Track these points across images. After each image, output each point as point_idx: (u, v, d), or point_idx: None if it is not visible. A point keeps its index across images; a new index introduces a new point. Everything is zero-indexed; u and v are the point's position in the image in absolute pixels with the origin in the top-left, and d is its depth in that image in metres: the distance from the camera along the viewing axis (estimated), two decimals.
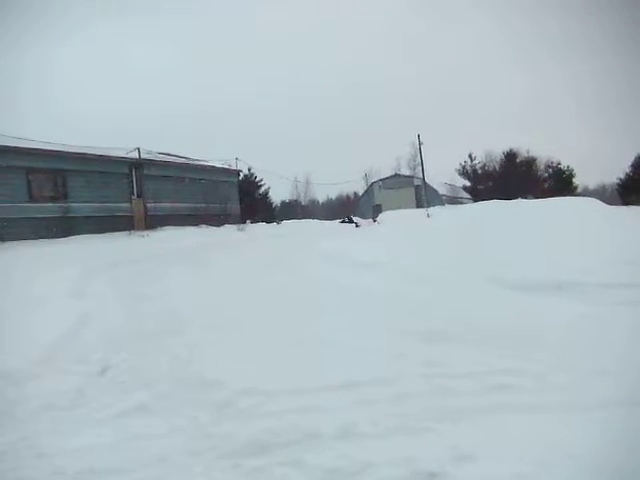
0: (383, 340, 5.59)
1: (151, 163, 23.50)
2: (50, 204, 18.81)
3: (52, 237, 17.33)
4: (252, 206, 33.11)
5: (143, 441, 3.57)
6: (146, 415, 4.05)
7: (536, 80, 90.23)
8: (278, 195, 57.25)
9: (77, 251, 14.08)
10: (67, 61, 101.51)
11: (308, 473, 3.03)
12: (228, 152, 40.19)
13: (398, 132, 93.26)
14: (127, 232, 20.18)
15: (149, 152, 24.51)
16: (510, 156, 46.19)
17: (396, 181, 53.49)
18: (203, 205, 24.74)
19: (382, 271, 9.65)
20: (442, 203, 43.54)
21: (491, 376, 4.33)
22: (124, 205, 21.97)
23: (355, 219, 35.31)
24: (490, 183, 45.28)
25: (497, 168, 46.86)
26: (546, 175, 46.25)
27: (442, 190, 52.40)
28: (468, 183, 49.56)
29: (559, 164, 45.51)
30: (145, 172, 22.92)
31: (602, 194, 50.90)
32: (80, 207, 19.74)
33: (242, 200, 30.10)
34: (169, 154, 26.77)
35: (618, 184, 41.02)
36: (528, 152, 46.06)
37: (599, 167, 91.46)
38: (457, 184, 53.10)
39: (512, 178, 41.91)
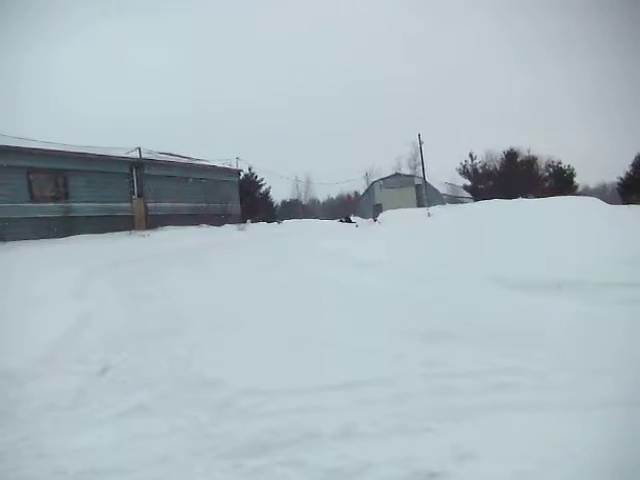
0: (383, 340, 5.59)
1: (152, 163, 23.49)
2: (51, 204, 18.82)
3: (53, 237, 17.33)
4: (253, 206, 33.10)
5: (144, 441, 3.58)
6: (147, 415, 4.06)
7: (536, 80, 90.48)
8: (279, 195, 57.32)
9: (78, 251, 14.09)
10: (67, 61, 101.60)
11: (308, 473, 3.04)
12: (229, 152, 40.57)
13: (398, 131, 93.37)
14: (128, 232, 20.17)
15: (150, 152, 24.51)
16: (511, 155, 46.14)
17: (397, 180, 53.45)
18: (204, 205, 24.74)
19: (382, 270, 9.65)
20: (443, 202, 43.46)
21: (492, 375, 4.34)
22: (125, 205, 21.97)
23: (353, 219, 35.46)
24: (491, 182, 45.23)
25: (498, 167, 46.80)
26: (547, 174, 46.20)
27: (443, 189, 52.36)
28: (469, 182, 49.52)
29: (560, 163, 45.50)
30: (146, 172, 22.92)
31: (603, 193, 50.84)
32: (81, 207, 19.74)
33: (243, 200, 30.10)
34: (170, 154, 26.77)
35: (619, 183, 40.99)
36: (529, 151, 46.05)
37: (599, 166, 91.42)
38: (458, 183, 53.08)
39: (513, 177, 41.87)
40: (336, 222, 33.33)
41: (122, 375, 5.00)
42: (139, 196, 22.64)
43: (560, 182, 42.79)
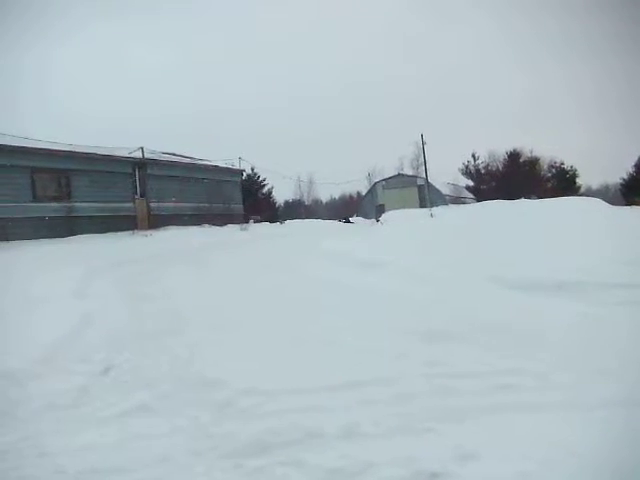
0: (385, 339, 5.59)
1: (154, 163, 23.54)
2: (54, 204, 18.87)
3: (56, 237, 17.37)
4: (255, 206, 33.12)
5: (145, 441, 3.58)
6: (148, 415, 4.06)
7: (537, 80, 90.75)
8: (281, 195, 57.39)
9: (80, 251, 14.11)
10: (67, 61, 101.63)
11: (309, 473, 3.03)
12: (231, 152, 40.43)
13: (400, 132, 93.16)
14: (130, 232, 20.22)
15: (152, 152, 24.55)
16: (513, 156, 46.12)
17: (399, 181, 53.45)
18: (206, 205, 24.78)
19: (384, 271, 9.65)
20: (445, 203, 43.46)
21: (493, 376, 4.33)
22: (127, 205, 22.01)
23: (352, 219, 35.87)
24: (493, 183, 45.21)
25: (500, 168, 46.78)
26: (549, 175, 46.18)
27: (445, 190, 52.33)
28: (471, 183, 49.51)
29: (562, 164, 45.49)
30: (148, 172, 22.97)
31: (605, 194, 50.74)
32: (84, 207, 19.79)
33: (245, 200, 30.13)
34: (173, 154, 26.81)
35: (621, 184, 40.96)
36: (531, 152, 46.01)
37: (602, 167, 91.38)
38: (460, 184, 53.08)
39: (515, 178, 41.88)
40: (337, 222, 33.50)
41: (124, 375, 5.00)
42: (142, 196, 22.68)
43: (562, 183, 42.78)
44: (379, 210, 43.39)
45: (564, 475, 2.87)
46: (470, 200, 44.91)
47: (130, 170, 22.41)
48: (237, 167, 30.77)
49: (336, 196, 77.61)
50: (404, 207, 33.15)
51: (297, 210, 58.35)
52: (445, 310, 6.67)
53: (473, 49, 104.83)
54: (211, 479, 3.05)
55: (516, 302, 6.95)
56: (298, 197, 68.06)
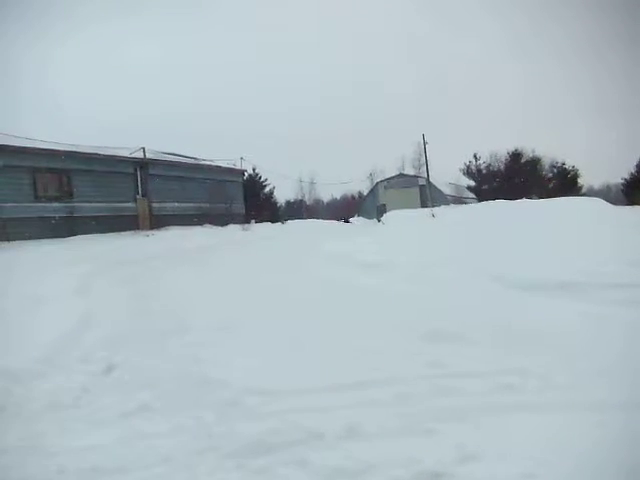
0: (388, 339, 5.59)
1: (156, 163, 23.54)
2: (55, 204, 18.89)
3: (57, 237, 17.38)
4: (257, 206, 33.11)
5: (147, 440, 3.57)
6: (150, 414, 4.06)
7: (539, 80, 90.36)
8: (283, 195, 57.35)
9: (82, 250, 14.13)
10: (67, 61, 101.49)
11: (312, 473, 3.03)
12: (233, 152, 40.31)
13: (403, 132, 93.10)
14: (132, 231, 20.23)
15: (154, 152, 24.56)
16: (515, 156, 45.99)
17: (401, 181, 53.40)
18: (208, 205, 24.78)
19: (386, 271, 9.66)
20: (447, 203, 43.40)
21: (495, 375, 4.33)
22: (129, 205, 22.03)
23: (351, 220, 36.47)
24: (495, 183, 45.13)
25: (502, 168, 46.69)
26: (551, 175, 46.08)
27: (447, 190, 52.31)
28: (473, 183, 49.43)
29: (564, 164, 45.33)
30: (150, 172, 22.97)
31: (607, 194, 50.59)
32: (85, 207, 19.82)
33: (247, 200, 30.13)
34: (174, 154, 26.82)
35: (623, 184, 40.85)
36: (533, 152, 45.92)
37: (604, 167, 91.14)
38: (462, 184, 53.02)
39: (517, 178, 41.81)
40: (337, 222, 33.62)
41: (126, 374, 5.00)
42: (143, 196, 22.70)
43: (564, 183, 42.64)
44: (380, 210, 43.36)
45: (566, 476, 2.87)
46: (472, 200, 44.85)
47: (132, 170, 22.42)
48: (239, 167, 30.78)
49: (337, 196, 77.64)
50: (405, 207, 33.09)
51: (298, 210, 58.34)
52: (448, 310, 6.68)
53: (475, 49, 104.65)
54: (214, 479, 3.05)
55: (519, 302, 6.95)
56: (299, 197, 68.13)
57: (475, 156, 48.24)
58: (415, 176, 54.03)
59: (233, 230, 22.85)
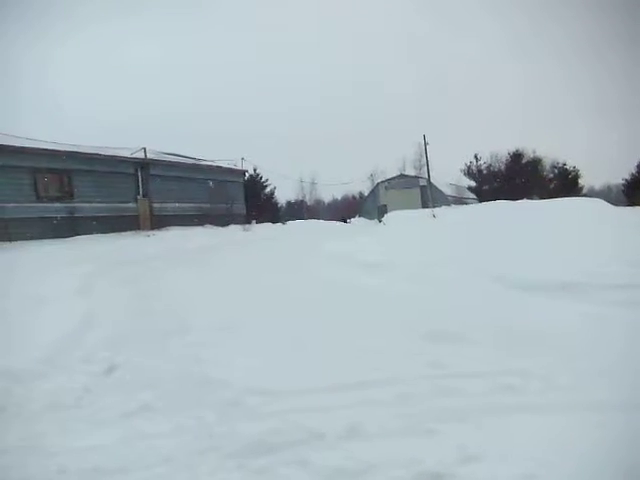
0: (389, 339, 5.59)
1: (157, 163, 23.55)
2: (56, 204, 18.90)
3: (58, 237, 17.39)
4: (258, 206, 33.14)
5: (149, 440, 3.58)
6: (152, 414, 4.06)
7: (540, 81, 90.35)
8: (284, 195, 57.37)
9: (83, 251, 14.13)
10: (67, 61, 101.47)
11: (313, 473, 3.04)
12: (234, 153, 40.27)
13: (404, 133, 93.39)
14: (133, 232, 20.24)
15: (155, 152, 24.57)
16: (516, 156, 45.99)
17: (402, 181, 53.43)
18: (209, 205, 24.81)
19: (387, 271, 9.66)
20: (448, 203, 43.45)
21: (496, 376, 4.33)
22: (130, 205, 22.04)
23: (351, 220, 37.35)
24: (495, 184, 45.12)
25: (503, 168, 46.68)
26: (551, 176, 46.07)
27: (447, 190, 52.34)
28: (473, 184, 49.43)
29: (565, 164, 45.33)
30: (151, 172, 22.99)
31: (607, 195, 50.60)
32: (86, 207, 19.83)
33: (248, 200, 30.14)
34: (175, 154, 26.84)
35: (624, 185, 40.84)
36: (534, 152, 45.91)
37: (604, 168, 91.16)
38: (462, 185, 53.02)
39: (518, 178, 41.83)
40: (337, 223, 33.71)
41: (127, 374, 5.00)
42: (144, 196, 22.71)
43: (565, 183, 42.64)
44: (381, 211, 43.42)
45: (567, 477, 2.87)
46: (472, 201, 44.87)
47: (133, 170, 22.43)
48: (240, 168, 30.79)
49: (338, 196, 77.69)
50: (406, 208, 33.13)
51: (299, 211, 58.36)
52: (449, 310, 6.68)
53: (475, 49, 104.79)
54: (215, 479, 3.06)
55: (520, 302, 6.96)
56: (300, 198, 68.16)
57: (476, 156, 48.27)
58: (416, 177, 54.05)
59: (234, 230, 22.85)
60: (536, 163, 45.46)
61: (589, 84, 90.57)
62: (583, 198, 20.81)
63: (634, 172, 39.37)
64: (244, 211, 28.67)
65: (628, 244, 8.88)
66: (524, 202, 17.44)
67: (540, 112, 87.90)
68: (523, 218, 12.22)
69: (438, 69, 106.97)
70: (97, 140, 43.71)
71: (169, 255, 14.28)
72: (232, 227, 23.83)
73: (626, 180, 40.31)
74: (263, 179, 39.40)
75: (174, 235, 19.50)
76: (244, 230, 23.27)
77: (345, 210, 59.31)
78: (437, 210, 26.01)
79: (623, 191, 40.87)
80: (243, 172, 31.29)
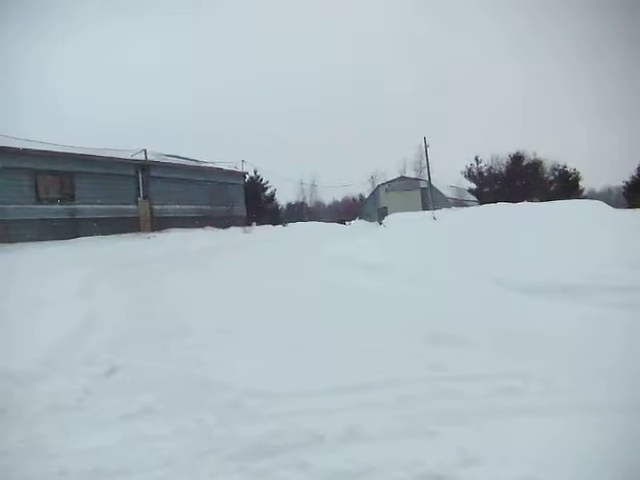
0: (389, 342, 5.59)
1: (157, 165, 23.56)
2: (57, 206, 18.90)
3: (59, 238, 17.36)
4: (258, 208, 33.16)
5: (149, 443, 3.58)
6: (152, 417, 4.06)
7: (541, 83, 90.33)
8: (284, 197, 57.38)
9: (84, 252, 14.13)
10: (67, 61, 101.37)
11: (313, 476, 3.04)
12: (234, 154, 40.28)
13: (404, 135, 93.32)
14: (133, 234, 20.23)
15: (156, 154, 24.59)
16: (516, 159, 46.04)
17: (402, 183, 53.39)
18: (209, 207, 24.80)
19: (388, 273, 9.66)
20: (448, 206, 43.39)
21: (497, 378, 4.33)
22: (130, 207, 22.03)
23: (350, 222, 38.99)
24: (496, 186, 45.15)
25: (503, 171, 46.72)
26: (552, 178, 46.11)
27: (448, 193, 52.26)
28: (474, 186, 49.46)
29: (565, 167, 45.38)
30: (152, 174, 22.99)
31: (608, 197, 50.59)
32: (87, 209, 19.82)
33: (248, 202, 30.15)
34: (176, 156, 26.85)
35: (624, 187, 40.88)
36: (534, 155, 45.95)
37: (605, 170, 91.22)
38: (463, 187, 53.01)
39: (518, 181, 41.86)
40: (337, 225, 33.78)
41: (128, 376, 5.01)
42: (145, 198, 22.71)
43: (565, 185, 42.70)
44: (382, 213, 43.39)
45: (566, 479, 2.87)
46: (473, 203, 44.88)
47: (133, 172, 22.43)
48: (240, 170, 30.79)
49: (339, 199, 77.65)
50: (407, 210, 33.05)
51: (300, 213, 58.35)
52: (449, 312, 6.69)
53: (475, 49, 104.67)
54: None
55: (520, 305, 6.96)
56: (301, 200, 68.14)
57: (476, 159, 48.35)
58: (416, 179, 54.03)
59: (234, 232, 22.84)
60: (536, 165, 45.52)
61: (589, 84, 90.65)
62: (583, 200, 20.79)
63: (634, 174, 39.41)
64: (244, 213, 28.67)
65: (628, 246, 8.88)
66: (524, 204, 17.44)
67: (540, 112, 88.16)
68: (523, 220, 12.21)
69: (438, 69, 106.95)
70: (97, 140, 43.89)
71: (169, 257, 14.27)
72: (232, 229, 23.83)
73: (626, 182, 40.36)
74: (263, 181, 39.44)
75: (174, 237, 19.49)
76: (244, 232, 23.25)
77: (345, 212, 59.30)
78: (438, 212, 25.94)
79: (623, 193, 40.93)
80: (243, 174, 31.30)
